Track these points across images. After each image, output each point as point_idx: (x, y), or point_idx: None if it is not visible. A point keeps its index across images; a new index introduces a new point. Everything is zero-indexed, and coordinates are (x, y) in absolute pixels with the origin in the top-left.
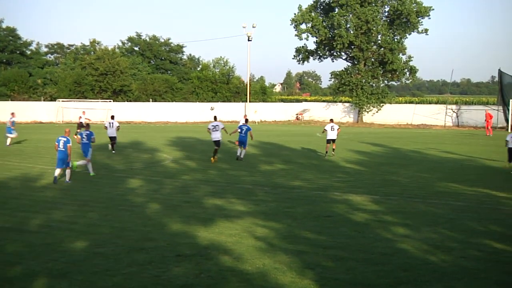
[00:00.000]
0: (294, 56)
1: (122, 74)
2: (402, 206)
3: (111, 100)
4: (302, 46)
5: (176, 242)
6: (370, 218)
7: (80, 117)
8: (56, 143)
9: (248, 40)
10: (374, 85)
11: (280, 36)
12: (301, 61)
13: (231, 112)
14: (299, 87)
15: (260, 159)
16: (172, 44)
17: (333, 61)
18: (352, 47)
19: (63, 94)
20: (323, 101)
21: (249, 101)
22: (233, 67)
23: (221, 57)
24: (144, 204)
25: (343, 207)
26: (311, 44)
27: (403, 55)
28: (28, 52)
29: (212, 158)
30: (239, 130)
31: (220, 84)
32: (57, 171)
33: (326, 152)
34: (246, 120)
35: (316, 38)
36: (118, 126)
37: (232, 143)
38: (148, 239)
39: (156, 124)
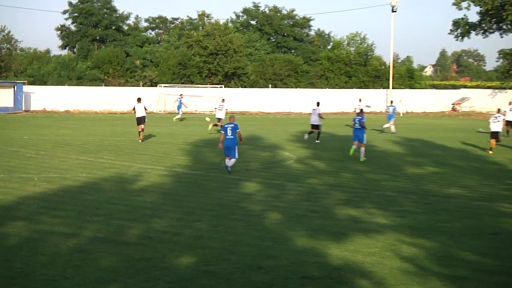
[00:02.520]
0: (450, 30)
1: (236, 54)
2: None
3: (222, 86)
4: (462, 18)
5: (301, 260)
6: None
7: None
8: (223, 131)
9: (392, 11)
10: None
11: (432, 5)
12: (460, 37)
13: (368, 101)
14: (456, 70)
15: (406, 160)
16: (296, 17)
17: (501, 37)
18: None
19: (166, 78)
20: (488, 87)
21: (392, 88)
22: (372, 45)
23: (357, 32)
24: (262, 213)
25: None
26: (473, 15)
27: None
28: (125, 28)
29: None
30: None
31: (355, 66)
32: (227, 161)
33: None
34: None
35: (480, 7)
36: (319, 113)
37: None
38: (267, 256)
39: (276, 115)
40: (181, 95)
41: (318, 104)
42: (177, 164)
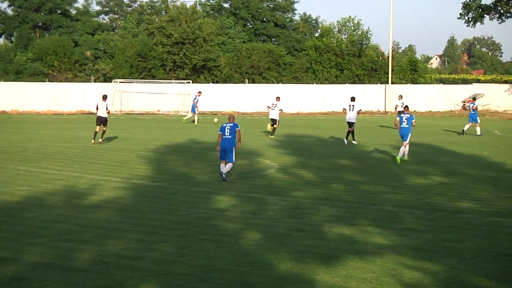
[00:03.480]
0: (460, 15)
1: (206, 43)
2: None
3: (190, 81)
4: (474, 0)
5: None
6: None
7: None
8: (220, 132)
9: None
10: None
11: None
12: (472, 23)
13: (364, 99)
14: (467, 61)
15: (408, 168)
16: None
17: None
18: None
19: (122, 72)
20: (505, 81)
21: (392, 82)
22: (368, 33)
23: (350, 17)
24: (237, 233)
25: None
26: None
27: None
28: (73, 12)
29: None
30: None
31: (348, 58)
32: (223, 166)
33: None
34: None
35: None
36: (360, 109)
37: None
38: (244, 283)
39: (254, 115)
40: (199, 92)
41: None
42: (136, 175)
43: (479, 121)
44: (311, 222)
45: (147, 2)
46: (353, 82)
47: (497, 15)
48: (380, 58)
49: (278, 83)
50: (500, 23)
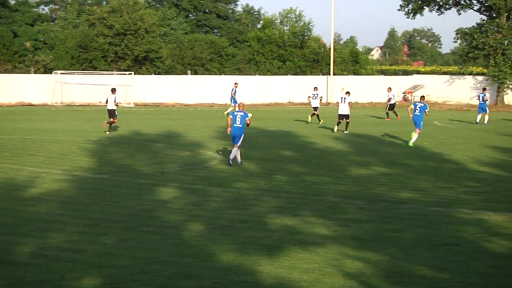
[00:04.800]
0: (400, 6)
1: (148, 34)
2: None
3: (132, 72)
4: None
5: (227, 280)
6: None
7: None
8: (231, 116)
9: None
10: None
11: None
12: (411, 14)
13: (306, 90)
14: (407, 53)
15: (350, 159)
16: None
17: (459, 13)
18: None
19: (63, 63)
20: (444, 73)
21: (333, 74)
22: (309, 24)
23: (291, 8)
24: (180, 225)
25: (475, 231)
26: None
27: None
28: (12, 2)
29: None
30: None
31: (290, 49)
32: (235, 150)
33: None
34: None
35: None
36: (350, 101)
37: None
38: (187, 275)
39: (197, 107)
40: (235, 84)
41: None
42: (78, 167)
43: (488, 111)
44: (254, 213)
45: None
46: (295, 74)
47: (437, 7)
48: (322, 49)
49: (220, 74)
50: (439, 14)
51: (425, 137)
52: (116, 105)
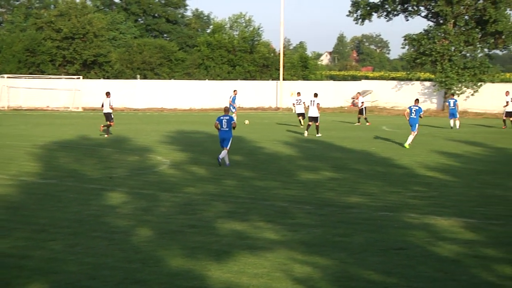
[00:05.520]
0: (349, 12)
1: (97, 38)
2: (510, 234)
3: (80, 77)
4: None
5: (175, 285)
6: (462, 251)
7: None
8: (217, 122)
9: None
10: (468, 55)
11: None
12: (360, 20)
13: (256, 95)
14: (356, 58)
15: (299, 164)
16: None
17: (407, 20)
18: None
19: (9, 67)
20: (392, 78)
21: (283, 79)
22: (259, 29)
23: (241, 13)
24: (129, 230)
25: (422, 236)
26: None
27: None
28: None
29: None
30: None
31: (240, 54)
32: (224, 152)
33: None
34: (417, 100)
35: None
36: (318, 103)
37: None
38: (135, 281)
39: (146, 111)
40: (235, 91)
41: (108, 94)
42: (24, 172)
43: (458, 116)
44: (203, 218)
45: None
46: (245, 78)
47: (385, 13)
48: (272, 54)
49: (170, 79)
50: (387, 20)
51: (374, 142)
52: (112, 108)
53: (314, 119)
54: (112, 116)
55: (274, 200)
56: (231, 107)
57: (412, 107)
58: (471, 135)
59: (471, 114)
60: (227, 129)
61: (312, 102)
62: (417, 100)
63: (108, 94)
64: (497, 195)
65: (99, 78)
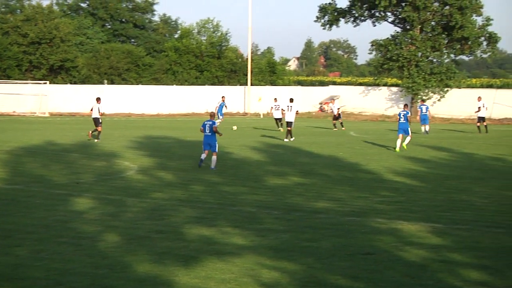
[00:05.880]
0: (317, 18)
1: (64, 43)
2: (476, 239)
3: (47, 82)
4: (330, 3)
5: None
6: (429, 256)
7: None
8: (202, 127)
9: None
10: (435, 60)
11: None
12: (328, 25)
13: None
14: (324, 64)
15: (267, 169)
16: (137, 0)
17: (374, 25)
18: (403, 4)
19: None
20: (360, 84)
21: (251, 84)
22: (227, 34)
23: (209, 18)
24: (96, 236)
25: (389, 241)
26: (342, 0)
27: (478, 16)
28: None
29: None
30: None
31: (208, 59)
32: (204, 155)
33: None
34: (406, 106)
35: None
36: (297, 110)
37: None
38: (103, 286)
39: (113, 117)
40: (223, 97)
41: (98, 100)
42: None
43: (428, 122)
44: (171, 223)
45: (1, 0)
46: (213, 84)
47: (352, 19)
48: (240, 59)
49: (137, 84)
50: (355, 26)
51: (341, 147)
52: (101, 114)
53: (290, 124)
54: (100, 121)
55: (242, 206)
56: (218, 114)
57: (401, 112)
58: (438, 140)
59: (437, 120)
60: (209, 134)
61: (289, 107)
62: (406, 106)
63: (98, 99)
64: (463, 200)
65: (66, 83)
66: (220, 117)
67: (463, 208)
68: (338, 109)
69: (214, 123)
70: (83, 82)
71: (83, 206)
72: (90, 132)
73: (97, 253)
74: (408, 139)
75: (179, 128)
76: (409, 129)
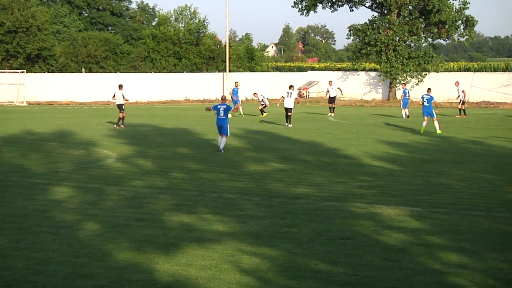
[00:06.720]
0: (294, 3)
1: (40, 31)
2: (455, 222)
3: (24, 71)
4: None
5: (123, 279)
6: (408, 240)
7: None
8: (213, 108)
9: None
10: (412, 44)
11: None
12: (305, 11)
13: (202, 87)
14: (302, 50)
15: (247, 156)
16: None
17: (351, 10)
18: None
19: None
20: (338, 69)
21: (229, 71)
22: (204, 21)
23: (186, 5)
24: (75, 224)
25: (368, 225)
26: None
27: (454, 0)
28: None
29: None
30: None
31: (186, 46)
32: (220, 138)
33: None
34: (429, 89)
35: None
36: (296, 97)
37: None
38: (82, 275)
39: (91, 105)
40: (236, 83)
41: (120, 86)
42: None
43: (407, 107)
44: (151, 211)
45: None
46: (191, 71)
47: (329, 4)
48: (218, 46)
49: (115, 72)
50: (332, 11)
51: (320, 133)
52: (126, 100)
53: (289, 109)
54: (124, 108)
55: (222, 192)
56: (234, 99)
57: (424, 96)
58: (416, 124)
59: (416, 104)
60: (224, 117)
61: (289, 94)
62: (429, 89)
63: (120, 86)
64: (442, 183)
65: (44, 72)
66: (238, 101)
67: (441, 192)
68: (328, 91)
69: (229, 106)
70: (60, 70)
71: (62, 195)
72: (116, 126)
73: (77, 241)
74: (436, 124)
75: (157, 116)
76: (433, 111)
